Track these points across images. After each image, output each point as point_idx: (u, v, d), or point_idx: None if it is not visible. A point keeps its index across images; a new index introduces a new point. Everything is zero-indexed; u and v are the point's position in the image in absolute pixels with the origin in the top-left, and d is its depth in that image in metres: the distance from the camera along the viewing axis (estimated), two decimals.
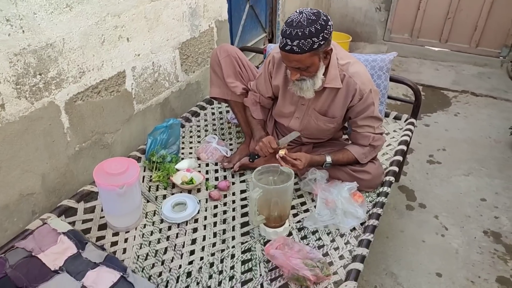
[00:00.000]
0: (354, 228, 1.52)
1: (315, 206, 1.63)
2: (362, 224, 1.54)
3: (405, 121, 2.21)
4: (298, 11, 1.42)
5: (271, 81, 1.77)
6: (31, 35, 1.38)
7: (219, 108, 2.37)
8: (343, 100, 1.61)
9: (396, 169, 1.82)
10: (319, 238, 1.50)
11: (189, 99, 2.39)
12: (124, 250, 1.46)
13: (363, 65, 1.66)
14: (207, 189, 1.77)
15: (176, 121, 1.91)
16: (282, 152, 1.57)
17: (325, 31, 1.41)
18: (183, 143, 2.06)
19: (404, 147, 1.98)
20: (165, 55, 2.09)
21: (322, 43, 1.42)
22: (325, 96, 1.63)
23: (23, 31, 1.35)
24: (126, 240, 1.50)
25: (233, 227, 1.58)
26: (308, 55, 1.42)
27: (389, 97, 2.19)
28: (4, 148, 1.38)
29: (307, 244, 1.47)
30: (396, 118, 2.25)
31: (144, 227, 1.56)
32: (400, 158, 1.89)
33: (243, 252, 1.46)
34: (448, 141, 2.90)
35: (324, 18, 1.41)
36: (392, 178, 1.75)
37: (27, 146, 1.47)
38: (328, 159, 1.65)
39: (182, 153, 2.00)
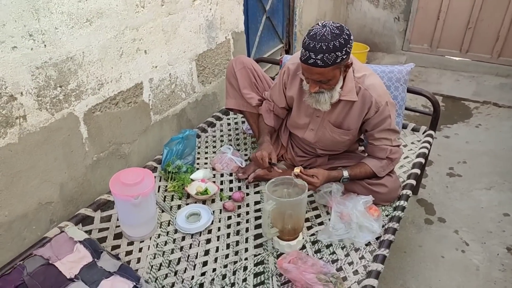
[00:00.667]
0: (369, 243, 1.50)
1: (329, 220, 1.61)
2: (377, 238, 1.51)
3: (423, 133, 2.17)
4: (321, 24, 1.42)
5: (285, 92, 1.77)
6: (52, 49, 1.42)
7: (235, 118, 2.39)
8: (359, 112, 1.60)
9: (414, 182, 1.78)
10: (333, 252, 1.48)
11: (206, 110, 2.41)
12: (139, 260, 1.48)
13: (379, 78, 1.64)
14: (221, 200, 1.77)
15: (192, 132, 1.93)
16: (297, 170, 1.55)
17: (348, 45, 1.40)
18: (198, 153, 2.08)
19: (422, 160, 1.94)
20: (182, 66, 2.12)
21: (344, 57, 1.41)
22: (340, 109, 1.62)
23: (45, 45, 1.39)
24: (140, 250, 1.51)
25: (246, 238, 1.57)
26: (331, 68, 1.42)
27: (406, 109, 2.15)
28: (24, 158, 1.42)
29: (321, 258, 1.45)
30: (414, 130, 2.21)
31: (159, 237, 1.58)
32: (418, 171, 1.85)
33: (256, 265, 1.45)
34: (468, 154, 2.83)
35: (347, 32, 1.41)
36: (409, 192, 1.71)
37: (47, 156, 1.51)
38: (346, 174, 1.63)
39: (198, 163, 2.01)
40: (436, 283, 1.89)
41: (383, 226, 1.56)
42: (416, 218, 2.26)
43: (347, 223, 1.51)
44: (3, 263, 1.38)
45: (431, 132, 2.14)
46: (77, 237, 1.44)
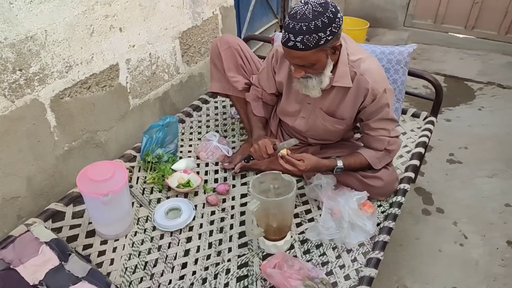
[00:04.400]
0: (362, 243, 1.38)
1: (321, 215, 1.49)
2: (371, 238, 1.39)
3: (424, 119, 2.02)
4: (303, 1, 1.25)
5: (275, 77, 1.61)
6: (8, 27, 1.25)
7: (223, 101, 2.23)
8: (353, 100, 1.44)
9: (412, 175, 1.65)
10: (323, 253, 1.37)
11: (192, 92, 2.25)
12: (112, 261, 1.36)
13: (377, 61, 1.48)
14: (205, 193, 1.64)
15: (174, 118, 1.77)
16: (283, 152, 1.42)
17: (334, 24, 1.24)
18: (182, 140, 1.94)
19: (422, 150, 1.80)
20: (164, 45, 1.94)
21: (329, 38, 1.25)
22: (333, 95, 1.47)
23: None
24: (114, 250, 1.39)
25: (230, 237, 1.45)
26: (314, 51, 1.26)
27: (407, 93, 1.99)
28: None
29: (310, 260, 1.34)
30: (414, 115, 2.06)
31: (135, 234, 1.45)
32: (417, 162, 1.72)
33: (240, 267, 1.33)
34: (471, 138, 2.69)
35: (333, 9, 1.24)
36: (407, 186, 1.58)
37: (8, 147, 1.36)
38: (340, 163, 1.49)
39: (181, 151, 1.87)
40: (433, 279, 1.79)
41: (378, 224, 1.44)
42: (413, 208, 2.15)
43: (338, 221, 1.39)
44: None
45: (433, 118, 2.00)
46: (43, 238, 1.31)
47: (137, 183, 1.67)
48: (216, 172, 1.77)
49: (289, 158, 1.42)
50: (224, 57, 1.71)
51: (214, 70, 1.78)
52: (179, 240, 1.44)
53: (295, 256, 1.36)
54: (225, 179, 1.73)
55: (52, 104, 1.47)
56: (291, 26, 1.24)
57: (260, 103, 1.72)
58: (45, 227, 1.39)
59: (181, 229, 1.47)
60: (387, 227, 1.40)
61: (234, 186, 1.69)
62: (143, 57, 1.84)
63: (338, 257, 1.35)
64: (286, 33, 1.25)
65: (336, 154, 1.62)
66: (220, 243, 1.43)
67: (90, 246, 1.41)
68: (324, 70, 1.35)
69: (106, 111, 1.72)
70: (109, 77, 1.68)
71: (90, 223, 1.47)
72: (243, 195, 1.65)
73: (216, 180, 1.72)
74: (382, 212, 1.51)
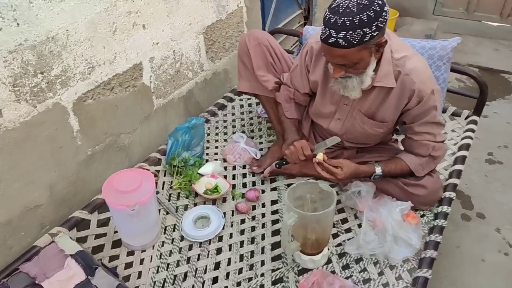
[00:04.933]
0: (407, 259, 1.27)
1: (359, 226, 1.39)
2: (416, 253, 1.28)
3: (465, 119, 1.88)
4: None
5: (309, 76, 1.50)
6: (28, 28, 1.17)
7: (248, 99, 2.12)
8: (397, 101, 1.32)
9: (457, 182, 1.53)
10: (364, 269, 1.26)
11: (216, 90, 2.16)
12: (139, 274, 1.29)
13: (423, 59, 1.35)
14: (233, 199, 1.56)
15: (200, 120, 1.68)
16: (319, 157, 1.32)
17: (380, 18, 1.12)
18: (208, 141, 1.85)
19: (466, 153, 1.67)
20: (188, 42, 1.85)
21: (375, 34, 1.13)
22: (374, 96, 1.35)
23: (17, 24, 1.14)
24: (142, 262, 1.32)
25: (263, 248, 1.36)
26: (357, 49, 1.14)
27: (448, 91, 1.85)
28: (2, 158, 1.22)
29: (350, 277, 1.24)
30: (455, 114, 1.92)
31: (163, 245, 1.38)
32: (461, 167, 1.59)
33: (274, 283, 1.25)
34: (510, 136, 2.52)
35: (379, 2, 1.12)
36: (452, 194, 1.46)
37: (29, 155, 1.29)
38: (378, 169, 1.38)
39: (207, 154, 1.78)
40: None
41: (423, 237, 1.33)
42: (452, 213, 1.99)
43: (381, 234, 1.28)
44: None
45: (475, 118, 1.85)
46: (68, 250, 1.25)
47: (163, 188, 1.60)
48: (244, 176, 1.68)
49: (327, 166, 1.31)
50: (253, 54, 1.61)
51: (242, 68, 1.68)
52: (208, 251, 1.36)
53: (333, 272, 1.26)
54: (254, 183, 1.64)
55: (75, 108, 1.40)
56: (332, 21, 1.12)
57: (293, 104, 1.61)
58: (70, 237, 1.32)
59: (210, 240, 1.39)
60: (434, 242, 1.29)
61: (263, 191, 1.60)
62: (167, 55, 1.75)
63: (381, 273, 1.25)
64: (327, 29, 1.14)
65: (373, 159, 1.51)
66: (252, 255, 1.35)
67: (116, 257, 1.34)
68: (366, 69, 1.23)
69: (129, 113, 1.64)
70: (132, 77, 1.60)
71: (116, 232, 1.41)
72: (274, 202, 1.55)
73: (244, 185, 1.63)
74: (426, 223, 1.39)
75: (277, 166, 1.52)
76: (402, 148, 1.50)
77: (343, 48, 1.14)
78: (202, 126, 1.70)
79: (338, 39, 1.12)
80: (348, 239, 1.35)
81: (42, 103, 1.29)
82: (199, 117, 1.83)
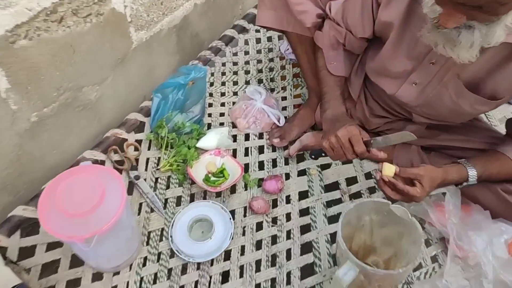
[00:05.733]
0: None
1: (436, 258, 0.95)
2: None
3: None
4: None
5: (378, 12, 0.92)
6: None
7: (267, 30, 1.53)
8: None
9: None
10: None
11: (222, 15, 1.55)
12: None
13: None
14: (246, 188, 1.10)
15: (202, 71, 1.15)
16: (389, 172, 0.83)
17: None
18: (211, 95, 1.33)
19: None
20: None
21: None
22: (487, 58, 0.81)
23: None
24: None
25: (288, 274, 0.95)
26: None
27: None
28: None
29: None
30: None
31: (144, 263, 0.96)
32: None
33: None
34: None
35: None
36: None
37: None
38: (473, 174, 0.90)
39: (209, 115, 1.28)
40: None
41: None
42: None
43: (475, 278, 0.85)
44: None
45: None
46: (3, 284, 0.83)
47: (146, 169, 1.13)
48: (261, 150, 1.21)
49: (402, 186, 0.82)
50: None
51: None
52: (210, 277, 0.94)
53: None
54: (274, 163, 1.18)
55: None
56: None
57: (341, 53, 1.05)
58: (5, 258, 0.89)
59: (213, 260, 0.96)
60: None
61: (287, 177, 1.14)
62: None
63: None
64: None
65: (452, 142, 1.03)
66: (273, 284, 0.93)
67: (77, 283, 0.92)
68: (504, 16, 0.67)
69: (93, 56, 1.09)
70: (93, 1, 1.01)
71: None
72: (302, 194, 1.10)
73: (261, 166, 1.17)
74: None
75: (313, 156, 1.03)
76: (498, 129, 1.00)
77: None
78: (204, 80, 1.17)
79: None
80: (416, 277, 0.92)
81: None
82: (199, 65, 1.28)
